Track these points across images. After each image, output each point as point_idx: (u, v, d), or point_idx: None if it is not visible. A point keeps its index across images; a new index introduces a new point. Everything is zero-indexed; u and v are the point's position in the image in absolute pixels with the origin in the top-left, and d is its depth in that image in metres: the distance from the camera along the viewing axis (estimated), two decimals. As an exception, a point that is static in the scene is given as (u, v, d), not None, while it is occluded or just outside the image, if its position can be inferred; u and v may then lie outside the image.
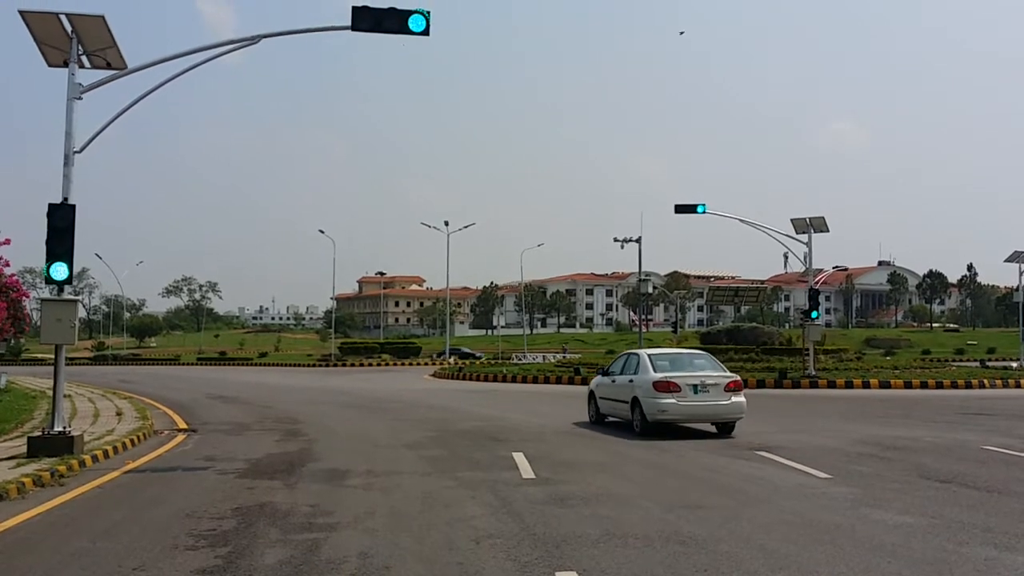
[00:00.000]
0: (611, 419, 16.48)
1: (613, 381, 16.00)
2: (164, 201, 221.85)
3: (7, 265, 20.73)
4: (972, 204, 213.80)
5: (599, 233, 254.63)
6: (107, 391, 27.28)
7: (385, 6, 12.76)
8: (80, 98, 12.21)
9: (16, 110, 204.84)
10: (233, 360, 78.89)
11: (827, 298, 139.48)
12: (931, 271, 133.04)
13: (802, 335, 35.17)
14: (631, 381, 14.97)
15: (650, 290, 77.04)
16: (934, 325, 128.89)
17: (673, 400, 14.02)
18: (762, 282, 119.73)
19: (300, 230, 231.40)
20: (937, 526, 7.18)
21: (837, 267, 77.52)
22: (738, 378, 14.77)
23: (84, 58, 12.29)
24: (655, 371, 14.53)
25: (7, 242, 20.07)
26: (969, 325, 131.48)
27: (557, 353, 74.66)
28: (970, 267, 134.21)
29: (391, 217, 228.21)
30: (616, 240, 59.48)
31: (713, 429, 14.83)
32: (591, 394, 17.28)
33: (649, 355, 15.47)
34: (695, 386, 14.19)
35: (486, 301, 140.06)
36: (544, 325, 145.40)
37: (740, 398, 14.45)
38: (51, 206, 11.64)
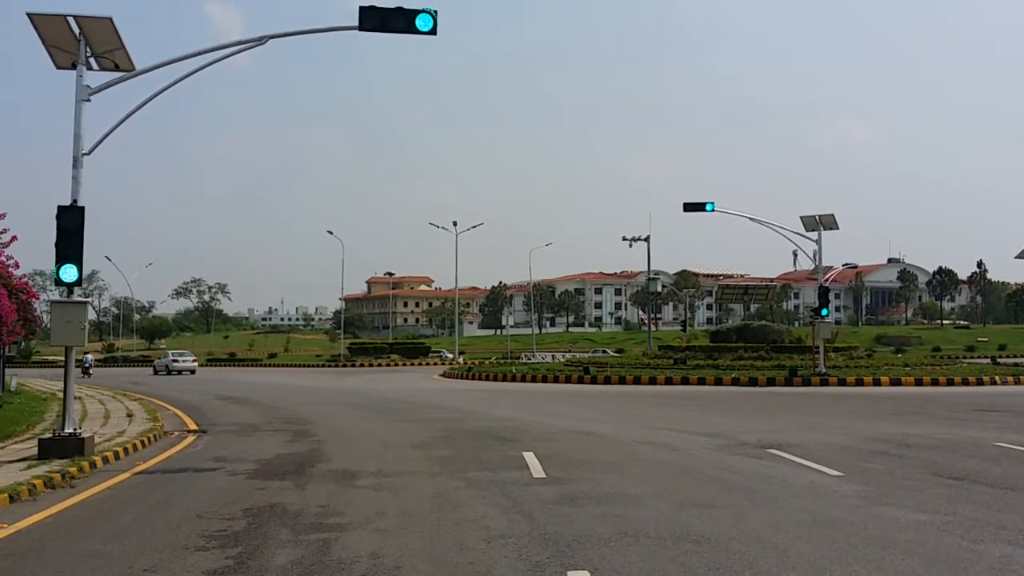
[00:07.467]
0: (160, 372, 51.31)
1: (162, 359, 54.52)
2: (173, 203, 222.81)
3: (17, 267, 20.71)
4: (982, 201, 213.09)
5: (608, 232, 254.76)
6: (117, 392, 27.39)
7: (392, 5, 12.74)
8: (88, 100, 12.20)
9: (25, 112, 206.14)
10: (242, 361, 79.02)
11: (837, 296, 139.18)
12: (941, 268, 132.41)
13: (812, 333, 34.98)
14: (167, 358, 53.58)
15: (659, 289, 76.93)
16: (944, 322, 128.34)
17: (178, 364, 51.73)
18: (771, 280, 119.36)
19: (309, 231, 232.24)
20: (951, 523, 7.13)
21: (847, 265, 77.07)
22: (196, 356, 57.09)
23: (92, 60, 12.29)
24: (172, 355, 54.15)
25: (15, 239, 19.96)
26: (979, 322, 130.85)
27: (565, 352, 74.63)
28: (980, 264, 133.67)
29: (400, 217, 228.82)
30: (625, 239, 59.70)
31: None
32: (154, 365, 55.73)
33: (172, 352, 56.74)
34: (185, 360, 52.60)
35: (495, 301, 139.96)
36: (553, 324, 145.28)
37: (196, 363, 54.18)
38: (60, 208, 11.65)
